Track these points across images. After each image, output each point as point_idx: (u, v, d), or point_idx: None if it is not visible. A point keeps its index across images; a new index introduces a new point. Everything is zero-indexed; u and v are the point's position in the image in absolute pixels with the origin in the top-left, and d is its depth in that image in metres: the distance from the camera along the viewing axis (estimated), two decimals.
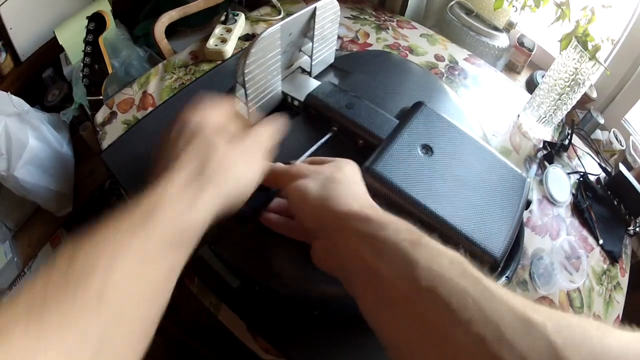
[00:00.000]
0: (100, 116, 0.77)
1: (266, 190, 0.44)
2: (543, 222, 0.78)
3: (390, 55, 0.76)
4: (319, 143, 0.53)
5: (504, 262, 0.62)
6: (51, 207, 0.95)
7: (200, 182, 0.33)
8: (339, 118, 0.54)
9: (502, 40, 1.07)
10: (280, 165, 0.43)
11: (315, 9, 0.54)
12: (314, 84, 0.58)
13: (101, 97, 0.81)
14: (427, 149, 0.51)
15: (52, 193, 0.93)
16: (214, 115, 0.40)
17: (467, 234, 0.46)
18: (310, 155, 0.51)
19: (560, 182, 0.84)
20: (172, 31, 0.97)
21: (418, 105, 0.54)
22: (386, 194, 0.47)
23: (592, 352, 0.24)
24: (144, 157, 0.64)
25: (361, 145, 0.54)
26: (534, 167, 0.84)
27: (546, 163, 0.85)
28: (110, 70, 0.82)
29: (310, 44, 0.58)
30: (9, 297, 0.22)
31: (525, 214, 0.77)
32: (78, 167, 0.98)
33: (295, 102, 0.58)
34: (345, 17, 0.98)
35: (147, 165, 0.64)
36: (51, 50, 1.04)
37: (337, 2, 0.58)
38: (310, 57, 0.59)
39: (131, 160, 0.66)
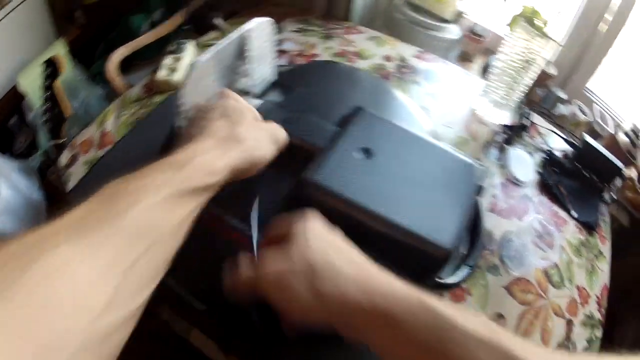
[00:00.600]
0: (63, 159, 0.78)
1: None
2: (509, 204, 0.79)
3: (332, 64, 0.77)
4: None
5: (468, 252, 0.64)
6: None
7: (229, 143, 0.40)
8: None
9: (452, 32, 1.08)
10: (244, 271, 0.39)
11: (245, 33, 0.55)
12: (255, 104, 0.59)
13: (63, 141, 0.83)
14: (367, 153, 0.52)
15: None
16: (243, 101, 0.49)
17: (413, 230, 0.46)
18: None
19: (522, 162, 0.85)
20: (129, 65, 0.98)
21: (356, 111, 0.56)
22: (328, 203, 0.47)
23: None
24: None
25: (305, 159, 0.54)
26: (494, 151, 0.85)
27: (506, 146, 0.86)
28: (69, 112, 0.83)
29: (247, 65, 0.59)
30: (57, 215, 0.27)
31: (489, 198, 0.78)
32: (50, 210, 1.00)
33: None
34: (292, 32, 0.99)
35: None
36: (13, 97, 1.04)
37: (268, 21, 0.59)
38: (250, 78, 0.61)
39: None
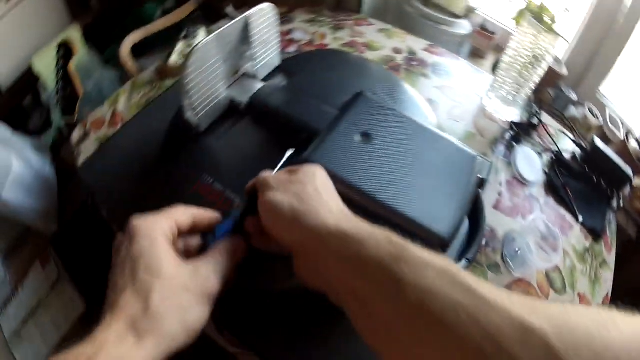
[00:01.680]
0: (75, 136, 0.80)
1: (231, 213, 0.43)
2: (514, 203, 0.78)
3: (339, 52, 0.78)
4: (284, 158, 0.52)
5: (467, 244, 0.63)
6: (39, 226, 0.98)
7: (142, 328, 0.31)
8: (280, 116, 0.55)
9: (463, 27, 1.07)
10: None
11: (246, 17, 0.56)
12: (259, 86, 0.60)
13: (76, 119, 0.84)
14: (367, 137, 0.52)
15: (39, 213, 0.96)
16: (148, 241, 0.36)
17: (410, 216, 0.46)
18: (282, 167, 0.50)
19: (530, 161, 0.84)
20: (142, 51, 1.00)
21: (357, 96, 0.56)
22: None
23: (594, 352, 0.23)
24: (116, 171, 0.69)
25: (304, 141, 0.55)
26: (501, 148, 0.84)
27: (514, 143, 0.85)
28: (81, 94, 0.85)
29: (252, 49, 0.60)
30: None
31: (494, 196, 0.77)
32: (61, 187, 1.02)
33: (240, 106, 0.59)
34: (302, 22, 1.00)
35: (119, 178, 0.67)
36: (29, 78, 1.07)
37: (270, 6, 0.59)
38: (254, 62, 0.61)
39: (104, 175, 0.69)
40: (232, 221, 0.42)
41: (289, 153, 0.52)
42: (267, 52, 0.62)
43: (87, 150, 0.77)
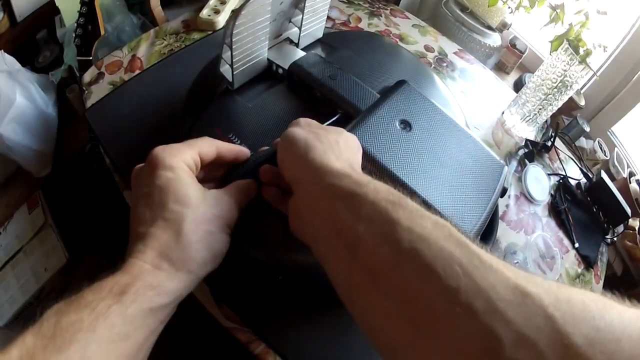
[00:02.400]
0: (87, 76, 0.77)
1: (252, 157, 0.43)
2: (519, 217, 0.79)
3: (379, 37, 0.77)
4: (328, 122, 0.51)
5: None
6: (32, 167, 0.94)
7: (175, 263, 0.32)
8: (321, 87, 0.54)
9: (494, 39, 1.08)
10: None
11: None
12: (299, 54, 0.59)
13: (91, 59, 0.81)
14: (406, 125, 0.51)
15: (34, 153, 0.92)
16: (174, 176, 0.35)
17: (439, 210, 0.46)
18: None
19: (539, 181, 0.85)
20: (168, 1, 0.97)
21: (400, 83, 0.55)
22: (362, 164, 0.47)
23: (594, 328, 0.21)
24: (127, 118, 0.66)
25: (342, 117, 0.54)
26: (514, 163, 0.85)
27: (526, 161, 0.86)
28: (102, 33, 0.82)
29: (301, 15, 0.58)
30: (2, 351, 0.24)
31: (501, 207, 0.77)
32: (61, 130, 0.98)
33: (280, 70, 0.58)
34: (340, 1, 0.99)
35: (129, 126, 0.65)
36: (47, 12, 1.04)
37: None
38: (300, 28, 0.60)
39: (114, 120, 0.66)
40: (254, 163, 0.42)
41: (337, 116, 0.52)
42: (314, 22, 0.61)
43: (98, 92, 0.75)
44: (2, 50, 0.92)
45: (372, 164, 0.47)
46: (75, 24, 0.81)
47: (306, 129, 0.38)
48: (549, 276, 0.72)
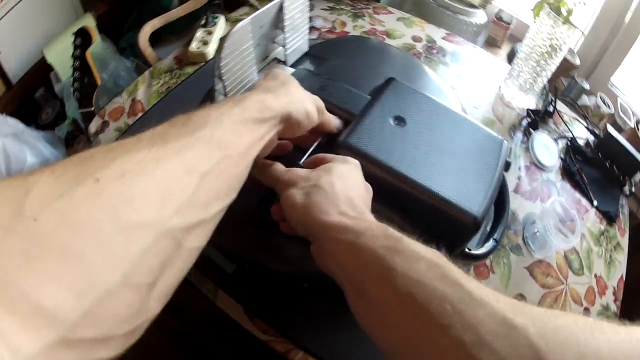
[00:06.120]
0: (93, 126, 0.80)
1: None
2: (532, 187, 0.79)
3: (365, 39, 0.78)
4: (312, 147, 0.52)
5: (492, 225, 0.64)
6: None
7: (280, 92, 0.41)
8: None
9: (479, 17, 1.08)
10: (278, 168, 0.44)
11: (281, 1, 0.56)
12: (289, 72, 0.60)
13: (93, 109, 0.84)
14: (400, 120, 0.52)
15: None
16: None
17: (444, 196, 0.47)
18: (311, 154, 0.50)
19: (546, 147, 0.85)
20: (156, 40, 0.99)
21: (389, 81, 0.56)
22: (363, 165, 0.48)
23: (577, 354, 0.24)
24: None
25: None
26: (519, 134, 0.85)
27: (531, 130, 0.86)
28: (99, 82, 0.85)
29: (282, 34, 0.60)
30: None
31: (514, 180, 0.78)
32: None
33: None
34: (322, 9, 1.00)
35: None
36: (41, 70, 1.06)
37: None
38: (284, 46, 0.62)
39: None
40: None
41: (318, 141, 0.52)
42: (297, 38, 0.63)
43: (105, 140, 0.77)
44: (4, 114, 0.95)
45: (374, 165, 0.48)
46: (72, 79, 0.85)
47: (301, 185, 0.41)
48: (571, 239, 0.72)
